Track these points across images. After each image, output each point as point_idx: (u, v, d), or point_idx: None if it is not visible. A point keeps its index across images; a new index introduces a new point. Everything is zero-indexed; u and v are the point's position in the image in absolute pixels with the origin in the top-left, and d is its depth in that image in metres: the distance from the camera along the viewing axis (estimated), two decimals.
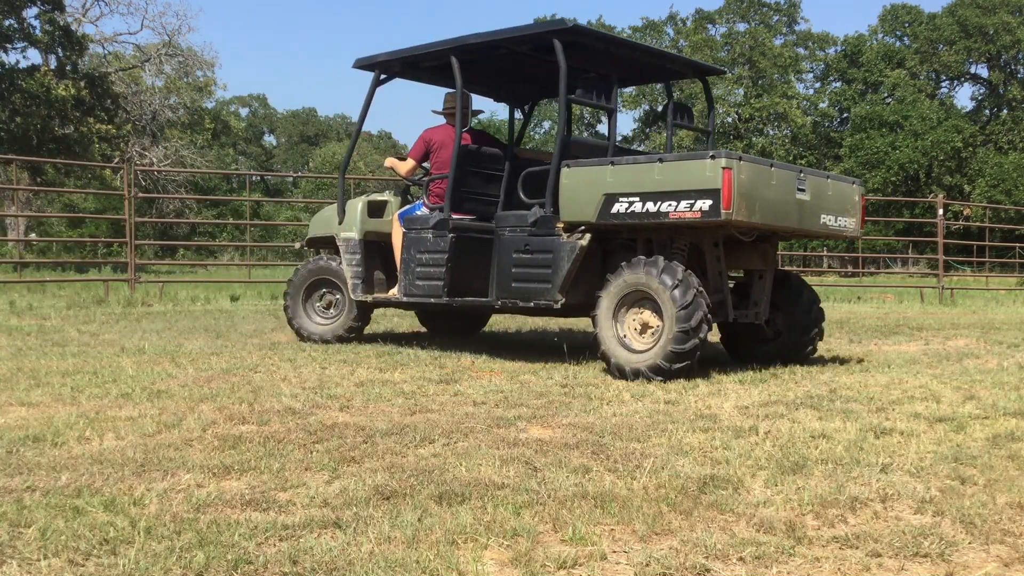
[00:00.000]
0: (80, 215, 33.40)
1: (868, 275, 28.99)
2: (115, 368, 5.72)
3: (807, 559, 2.46)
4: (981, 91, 49.31)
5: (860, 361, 6.71)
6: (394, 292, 7.09)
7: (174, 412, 4.29)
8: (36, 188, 26.38)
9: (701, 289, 5.48)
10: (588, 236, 5.92)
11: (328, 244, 7.59)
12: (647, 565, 2.38)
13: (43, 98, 26.11)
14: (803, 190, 5.88)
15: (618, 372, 5.61)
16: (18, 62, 29.64)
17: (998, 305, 15.66)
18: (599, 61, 6.78)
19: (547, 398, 4.84)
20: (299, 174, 56.21)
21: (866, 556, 2.48)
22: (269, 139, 73.83)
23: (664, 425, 4.11)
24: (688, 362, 5.45)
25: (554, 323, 9.83)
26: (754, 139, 47.52)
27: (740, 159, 5.40)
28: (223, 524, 2.63)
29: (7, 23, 26.85)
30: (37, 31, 27.49)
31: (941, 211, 17.82)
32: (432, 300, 6.76)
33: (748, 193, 5.42)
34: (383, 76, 7.29)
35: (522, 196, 6.47)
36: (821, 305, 6.57)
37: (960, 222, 32.34)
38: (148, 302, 11.71)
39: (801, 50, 51.54)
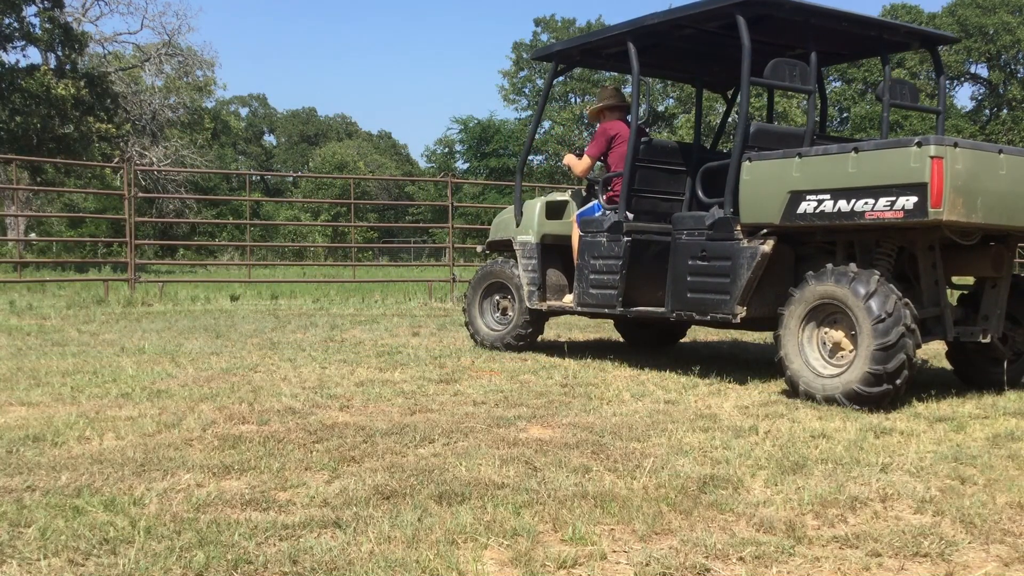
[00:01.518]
0: (80, 215, 33.44)
1: None
2: (115, 368, 5.71)
3: (807, 559, 2.46)
4: (981, 91, 49.34)
5: None
6: (568, 299, 6.68)
7: (174, 412, 4.29)
8: (36, 188, 26.39)
9: (904, 299, 4.68)
10: (772, 240, 5.21)
11: (508, 248, 7.26)
12: (647, 565, 2.38)
13: (43, 97, 26.10)
14: None
15: (807, 398, 4.90)
16: (18, 61, 29.76)
17: None
18: (798, 35, 5.94)
19: (547, 398, 4.84)
20: (299, 174, 56.27)
21: (866, 556, 2.48)
22: (269, 139, 73.89)
23: (664, 425, 4.11)
24: (891, 386, 4.59)
25: (555, 329, 9.82)
26: None
27: (955, 145, 4.49)
28: (223, 524, 2.63)
29: (7, 22, 26.85)
30: (37, 29, 27.48)
31: None
32: (606, 311, 6.31)
33: (966, 187, 4.51)
34: (561, 66, 7.00)
35: (700, 195, 5.90)
36: None
37: None
38: (148, 302, 11.70)
39: None
